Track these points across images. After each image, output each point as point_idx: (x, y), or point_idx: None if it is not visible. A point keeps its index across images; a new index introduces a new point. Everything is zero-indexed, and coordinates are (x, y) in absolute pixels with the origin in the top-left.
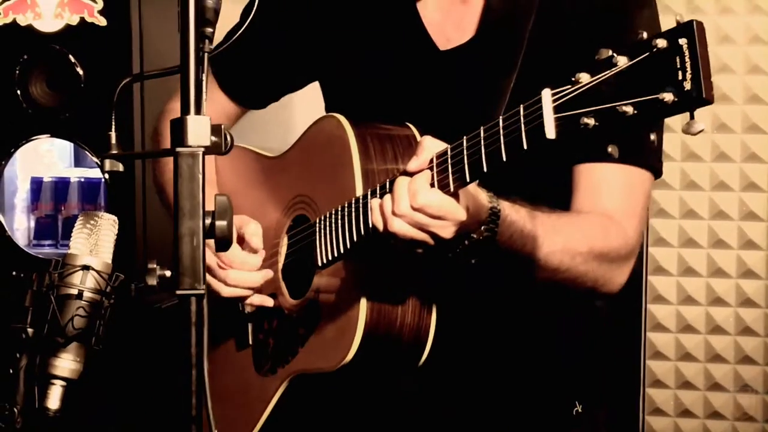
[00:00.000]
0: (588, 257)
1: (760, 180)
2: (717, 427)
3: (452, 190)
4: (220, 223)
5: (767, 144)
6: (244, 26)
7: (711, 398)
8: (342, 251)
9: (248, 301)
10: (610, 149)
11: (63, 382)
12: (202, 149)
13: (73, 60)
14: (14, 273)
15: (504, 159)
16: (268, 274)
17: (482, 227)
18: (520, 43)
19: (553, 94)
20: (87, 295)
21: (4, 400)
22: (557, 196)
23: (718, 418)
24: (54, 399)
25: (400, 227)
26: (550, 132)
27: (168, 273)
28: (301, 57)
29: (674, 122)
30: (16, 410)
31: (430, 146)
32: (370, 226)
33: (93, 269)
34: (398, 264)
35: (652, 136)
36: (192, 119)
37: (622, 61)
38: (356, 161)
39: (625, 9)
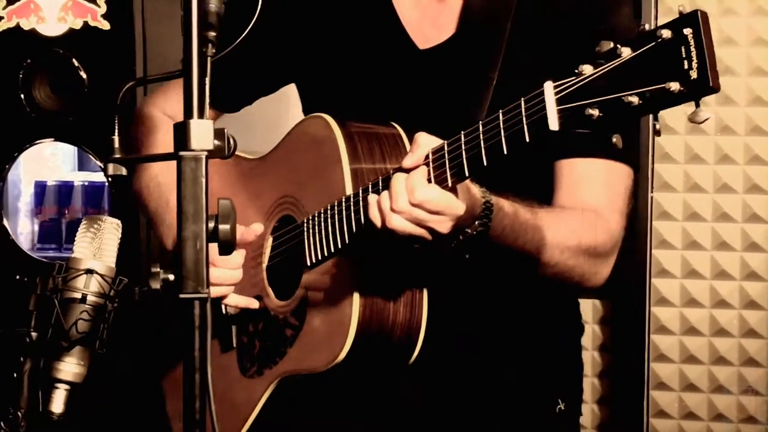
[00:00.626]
0: (576, 252)
1: (764, 182)
2: (721, 430)
3: (450, 185)
4: (224, 227)
5: None
6: (247, 30)
7: (715, 400)
8: (332, 250)
9: (233, 302)
10: (614, 140)
11: (67, 386)
12: (206, 153)
13: (76, 64)
14: (18, 277)
15: (505, 152)
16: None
17: (476, 222)
18: (500, 41)
19: (555, 87)
20: (91, 298)
21: (9, 403)
22: (538, 192)
23: (722, 421)
24: (58, 403)
25: (399, 223)
26: (554, 124)
27: (171, 276)
28: (277, 59)
29: (677, 124)
30: (20, 414)
31: (426, 142)
32: (365, 222)
33: (96, 273)
34: (390, 261)
35: (630, 133)
36: (195, 123)
37: (626, 52)
38: (345, 161)
39: (602, 8)
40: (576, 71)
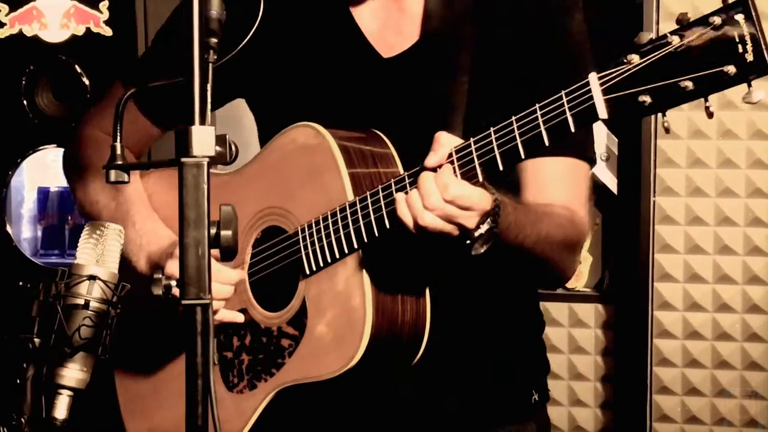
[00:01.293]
0: (561, 246)
1: (766, 186)
2: None
3: (480, 180)
4: (225, 233)
5: None
6: (248, 36)
7: (718, 404)
8: (338, 256)
9: (218, 317)
10: (666, 124)
11: (70, 392)
12: (207, 159)
13: (79, 70)
14: (21, 283)
15: (546, 143)
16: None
17: (488, 218)
18: (464, 46)
19: (600, 78)
20: (93, 305)
21: (12, 410)
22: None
23: (725, 425)
24: (61, 409)
25: (431, 221)
26: (602, 113)
27: (173, 282)
28: (229, 75)
29: (679, 129)
30: (23, 420)
31: (447, 141)
32: (390, 223)
33: (99, 279)
34: (398, 261)
35: (584, 131)
36: (197, 129)
37: (675, 40)
38: (342, 167)
39: (558, 14)
40: (624, 60)
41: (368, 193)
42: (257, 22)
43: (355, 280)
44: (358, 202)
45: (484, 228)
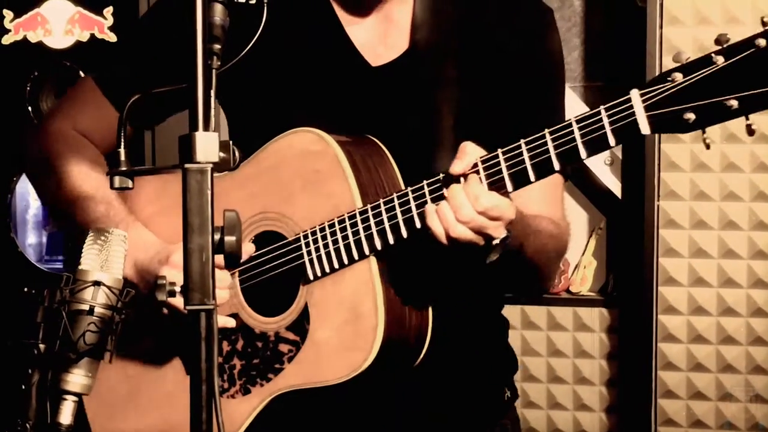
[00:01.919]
0: (551, 255)
1: None
2: None
3: (510, 190)
4: (229, 239)
5: None
6: (251, 43)
7: (723, 409)
8: (346, 262)
9: None
10: (708, 140)
11: (75, 398)
12: (211, 165)
13: (83, 76)
14: (26, 289)
15: (584, 156)
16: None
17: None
18: (452, 56)
19: (642, 95)
20: (98, 310)
21: (17, 415)
22: None
23: (730, 429)
24: (66, 414)
25: (463, 232)
26: (645, 129)
27: (177, 288)
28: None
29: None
30: (28, 426)
31: (473, 150)
32: (421, 227)
33: (104, 285)
34: (408, 267)
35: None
36: (200, 135)
37: (720, 60)
38: (350, 174)
39: (539, 31)
40: (668, 79)
41: (382, 200)
42: (260, 29)
43: (364, 286)
44: (370, 209)
45: (500, 236)
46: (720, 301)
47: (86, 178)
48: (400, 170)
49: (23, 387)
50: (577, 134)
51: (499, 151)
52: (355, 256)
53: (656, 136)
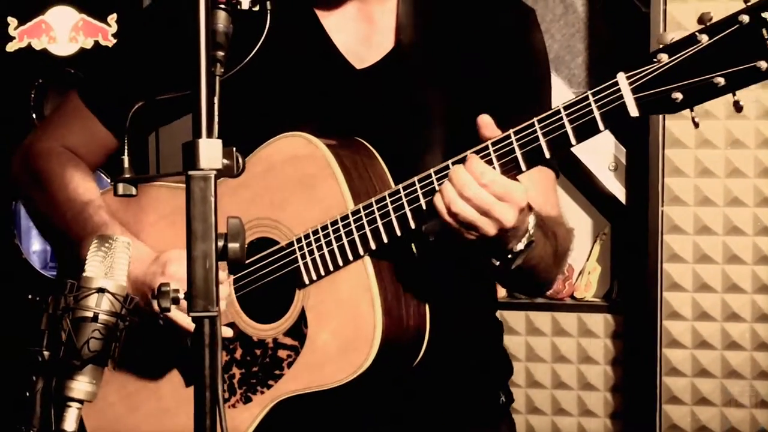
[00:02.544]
0: (559, 257)
1: None
2: None
3: (524, 169)
4: (233, 245)
5: None
6: (254, 51)
7: (728, 414)
8: (341, 264)
9: None
10: (696, 119)
11: (79, 405)
12: (214, 172)
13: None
14: (30, 296)
15: (574, 143)
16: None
17: (527, 233)
18: (437, 56)
19: (628, 77)
20: (102, 317)
21: (21, 423)
22: None
23: None
24: (70, 421)
25: (463, 208)
26: (633, 111)
27: (181, 295)
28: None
29: (687, 138)
30: None
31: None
32: (415, 219)
33: (108, 292)
34: (403, 267)
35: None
36: (204, 142)
37: (704, 39)
38: (340, 176)
39: (522, 29)
40: (654, 59)
41: (373, 200)
42: (264, 36)
43: (361, 287)
44: (362, 209)
45: (525, 242)
46: (724, 307)
47: (78, 193)
48: (390, 171)
49: (27, 394)
50: (566, 121)
51: (512, 131)
52: (350, 257)
53: (661, 140)
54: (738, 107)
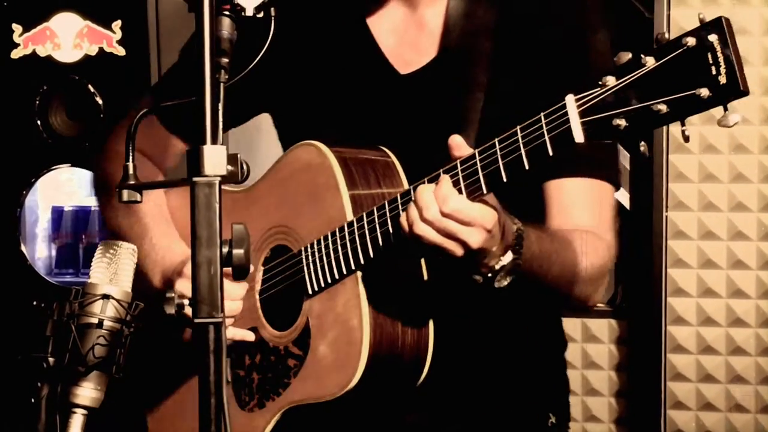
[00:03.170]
0: (584, 276)
1: None
2: None
3: (485, 191)
4: (237, 252)
5: None
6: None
7: (733, 420)
8: (337, 276)
9: (229, 335)
10: (642, 148)
11: (84, 411)
12: (219, 178)
13: (92, 90)
14: (35, 302)
15: (527, 167)
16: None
17: (509, 250)
18: (482, 62)
19: (577, 100)
20: (107, 323)
21: (27, 429)
22: (524, 214)
23: None
24: (75, 428)
25: (426, 231)
26: (579, 136)
27: (186, 301)
28: (252, 89)
29: (690, 144)
30: None
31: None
32: (383, 243)
33: (113, 298)
34: (397, 282)
35: (609, 152)
36: (208, 149)
37: (650, 62)
38: (343, 187)
39: (580, 33)
40: (600, 83)
41: (365, 213)
42: (267, 43)
43: (353, 301)
44: (355, 222)
45: (506, 260)
46: (729, 312)
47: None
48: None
49: (32, 400)
50: (521, 142)
51: (476, 151)
52: (344, 270)
53: (665, 146)
54: (684, 137)
